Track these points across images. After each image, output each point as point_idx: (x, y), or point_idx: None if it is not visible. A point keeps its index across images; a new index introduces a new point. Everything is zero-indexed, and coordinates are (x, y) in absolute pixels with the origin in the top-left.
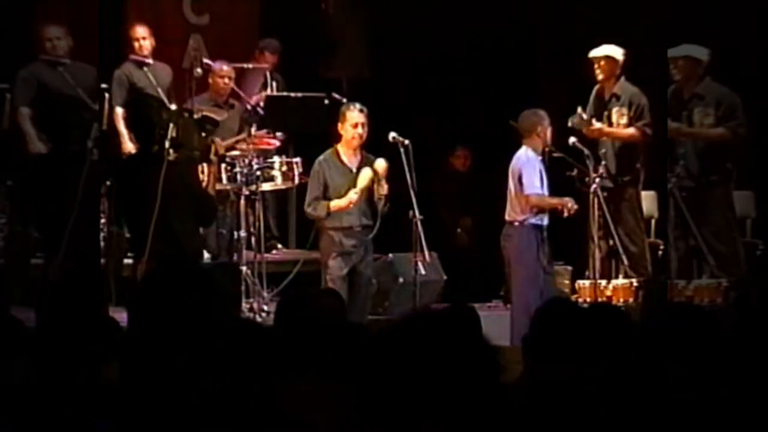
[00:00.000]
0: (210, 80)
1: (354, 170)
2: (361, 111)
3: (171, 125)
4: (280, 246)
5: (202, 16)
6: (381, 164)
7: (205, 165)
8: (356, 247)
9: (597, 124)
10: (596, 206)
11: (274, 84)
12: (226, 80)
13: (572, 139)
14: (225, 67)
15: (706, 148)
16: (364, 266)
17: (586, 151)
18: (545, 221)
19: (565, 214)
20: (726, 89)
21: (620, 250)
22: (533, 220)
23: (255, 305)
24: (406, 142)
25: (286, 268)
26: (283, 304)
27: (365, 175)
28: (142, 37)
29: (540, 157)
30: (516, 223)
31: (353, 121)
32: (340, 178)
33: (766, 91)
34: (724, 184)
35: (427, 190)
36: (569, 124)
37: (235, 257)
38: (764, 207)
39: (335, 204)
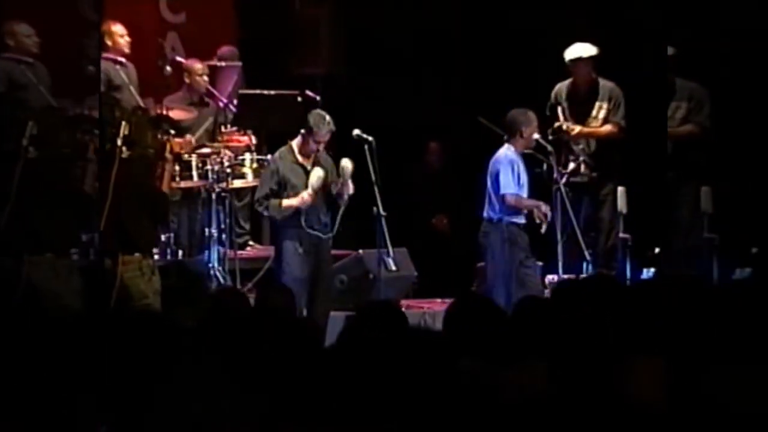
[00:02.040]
0: (187, 79)
1: (309, 168)
2: (329, 132)
3: (123, 123)
4: (252, 243)
5: (178, 14)
6: (347, 165)
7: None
8: (315, 246)
9: (576, 128)
10: (560, 202)
11: None
12: (205, 78)
13: (536, 135)
14: (198, 65)
15: (672, 144)
16: (322, 265)
17: (549, 148)
18: (523, 219)
19: (537, 220)
20: (695, 84)
21: (582, 245)
22: (511, 219)
23: None
24: (370, 138)
25: (258, 264)
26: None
27: (317, 175)
28: (121, 35)
29: (520, 157)
30: (493, 221)
31: (318, 138)
32: (294, 177)
33: (716, 85)
34: (690, 179)
35: (402, 186)
36: (549, 136)
37: (206, 254)
38: (721, 203)
39: (287, 203)
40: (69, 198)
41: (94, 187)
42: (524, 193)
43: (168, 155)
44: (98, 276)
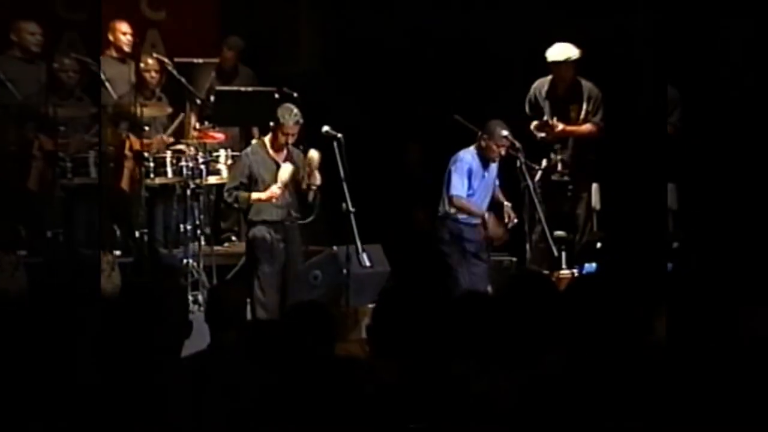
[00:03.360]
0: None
1: (281, 163)
2: (296, 123)
3: None
4: (234, 238)
5: (159, 11)
6: (314, 155)
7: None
8: (285, 241)
9: (559, 125)
10: (529, 200)
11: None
12: (153, 74)
13: (504, 132)
14: (150, 61)
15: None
16: (293, 260)
17: (518, 144)
18: (475, 219)
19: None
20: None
21: (551, 242)
22: (459, 216)
23: (200, 297)
24: (339, 135)
25: (235, 260)
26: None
27: (287, 169)
28: (123, 32)
29: (479, 161)
30: (442, 218)
31: (286, 130)
32: (265, 171)
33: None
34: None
35: (379, 184)
36: (534, 131)
37: (180, 250)
38: (686, 200)
39: (256, 196)
40: (14, 195)
41: (39, 184)
42: (477, 197)
43: (128, 152)
44: (62, 272)
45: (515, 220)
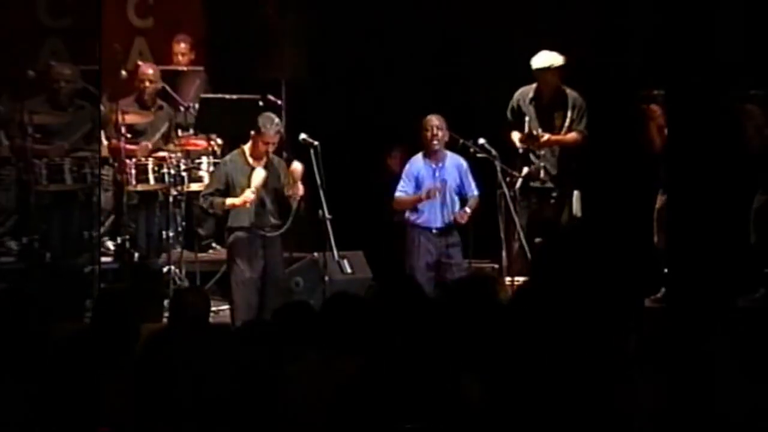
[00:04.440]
0: (140, 84)
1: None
2: (277, 133)
3: None
4: (215, 245)
5: (146, 19)
6: (297, 167)
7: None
8: (265, 247)
9: (545, 136)
10: (505, 207)
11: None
12: (147, 83)
13: (481, 140)
14: (149, 71)
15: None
16: (273, 266)
17: (494, 152)
18: (437, 223)
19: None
20: None
21: (526, 249)
22: (420, 222)
23: None
24: (316, 143)
25: (217, 267)
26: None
27: (259, 174)
28: None
29: (424, 160)
30: (405, 223)
31: (266, 139)
32: (244, 179)
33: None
34: None
35: (362, 191)
36: (518, 142)
37: (163, 257)
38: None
39: (231, 201)
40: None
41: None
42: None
43: None
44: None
45: (467, 210)
